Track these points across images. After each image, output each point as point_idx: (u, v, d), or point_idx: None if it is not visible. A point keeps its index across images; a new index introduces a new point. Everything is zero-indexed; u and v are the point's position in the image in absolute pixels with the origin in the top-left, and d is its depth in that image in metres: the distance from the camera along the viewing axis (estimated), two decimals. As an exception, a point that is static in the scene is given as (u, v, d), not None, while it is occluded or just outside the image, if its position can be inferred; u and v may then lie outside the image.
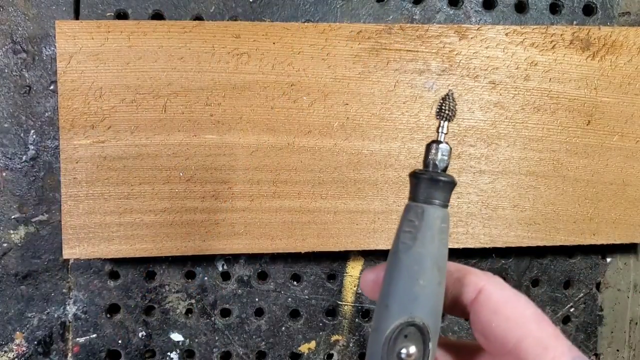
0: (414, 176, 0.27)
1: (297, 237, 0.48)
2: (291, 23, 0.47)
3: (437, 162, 0.27)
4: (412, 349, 0.25)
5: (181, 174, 0.46)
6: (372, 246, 0.49)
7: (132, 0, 0.48)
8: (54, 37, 0.47)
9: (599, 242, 0.51)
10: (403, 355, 0.25)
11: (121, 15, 0.48)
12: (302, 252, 0.49)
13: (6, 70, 0.48)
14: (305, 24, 0.47)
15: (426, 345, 0.25)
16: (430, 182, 0.26)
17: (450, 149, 0.28)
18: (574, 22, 0.52)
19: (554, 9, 0.52)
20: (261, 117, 0.47)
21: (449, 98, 0.28)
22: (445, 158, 0.27)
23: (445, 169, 0.27)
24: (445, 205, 0.27)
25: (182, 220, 0.47)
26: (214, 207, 0.47)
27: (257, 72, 0.46)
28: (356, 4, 0.50)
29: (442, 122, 0.28)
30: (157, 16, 0.48)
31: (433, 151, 0.27)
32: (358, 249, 0.49)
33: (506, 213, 0.50)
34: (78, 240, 0.46)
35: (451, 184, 0.27)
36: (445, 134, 0.28)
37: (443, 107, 0.27)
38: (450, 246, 0.50)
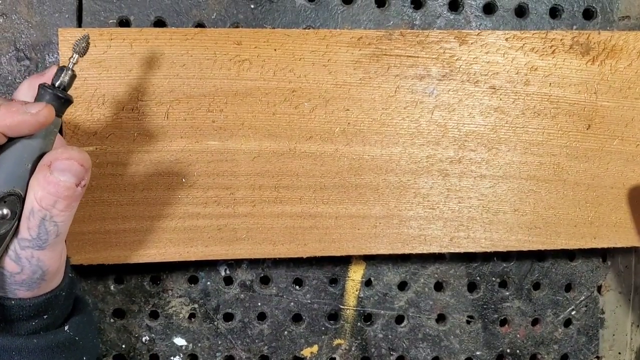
0: (42, 88, 0.35)
1: (299, 242, 0.48)
2: (292, 29, 0.47)
3: (63, 83, 0.36)
4: (6, 211, 0.34)
5: (183, 180, 0.46)
6: (374, 251, 0.49)
7: (134, 8, 0.48)
8: (57, 44, 0.47)
9: (599, 246, 0.51)
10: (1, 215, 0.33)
11: (123, 23, 0.48)
12: (304, 256, 0.49)
13: (10, 78, 0.48)
14: (306, 30, 0.47)
15: (19, 208, 0.34)
16: (54, 96, 0.35)
17: (75, 76, 0.36)
18: (574, 27, 0.52)
19: (554, 13, 0.52)
20: (263, 123, 0.47)
21: (85, 38, 0.36)
22: (67, 80, 0.36)
23: (65, 89, 0.36)
24: (59, 115, 0.35)
25: (185, 226, 0.47)
26: (216, 212, 0.47)
27: (259, 78, 0.46)
28: (357, 10, 0.50)
29: (75, 55, 0.36)
30: (159, 23, 0.49)
31: (62, 74, 0.36)
32: (360, 253, 0.49)
33: (507, 217, 0.50)
34: (81, 247, 0.46)
35: (68, 101, 0.36)
36: (75, 63, 0.36)
37: (79, 44, 0.36)
38: (452, 250, 0.50)
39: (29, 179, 0.35)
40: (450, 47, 0.48)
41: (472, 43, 0.48)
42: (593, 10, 0.52)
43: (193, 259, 0.47)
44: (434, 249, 0.50)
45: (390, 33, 0.47)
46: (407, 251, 0.49)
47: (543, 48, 0.49)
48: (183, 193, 0.47)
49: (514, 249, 0.51)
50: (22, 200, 0.35)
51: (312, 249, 0.48)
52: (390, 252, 0.49)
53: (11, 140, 0.35)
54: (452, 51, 0.48)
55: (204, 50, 0.45)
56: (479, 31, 0.48)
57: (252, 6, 0.49)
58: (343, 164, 0.48)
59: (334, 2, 0.50)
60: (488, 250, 0.50)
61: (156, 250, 0.47)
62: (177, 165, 0.46)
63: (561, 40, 0.49)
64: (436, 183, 0.49)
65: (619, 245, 0.52)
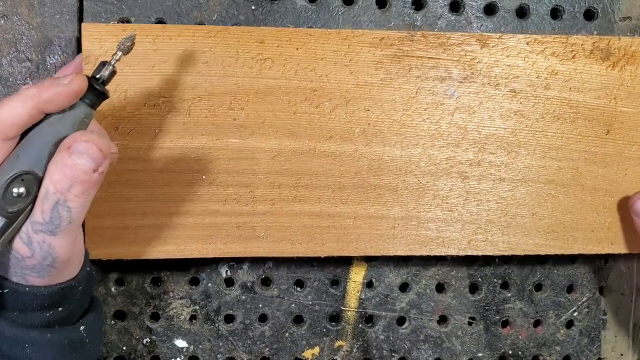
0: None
1: (317, 241, 0.48)
2: (314, 29, 0.47)
3: (103, 77, 0.37)
4: (22, 190, 0.33)
5: (203, 177, 0.47)
6: (392, 252, 0.49)
7: (135, 9, 0.48)
8: (58, 45, 0.47)
9: (617, 252, 0.51)
10: (14, 194, 0.33)
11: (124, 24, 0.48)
12: (321, 256, 0.49)
13: (10, 79, 0.47)
14: (329, 30, 0.47)
15: (36, 189, 0.34)
16: (90, 87, 0.36)
17: (115, 72, 0.37)
18: (575, 28, 0.52)
19: (555, 14, 0.52)
20: (283, 121, 0.47)
21: (132, 38, 0.38)
22: (107, 75, 0.37)
23: (104, 83, 0.37)
24: (92, 106, 0.36)
25: (204, 223, 0.47)
26: (235, 210, 0.47)
27: (280, 77, 0.46)
28: (358, 11, 0.50)
29: (119, 52, 0.37)
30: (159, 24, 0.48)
31: (103, 68, 0.37)
32: (377, 254, 0.49)
33: (525, 221, 0.50)
34: (99, 242, 0.46)
35: (104, 95, 0.37)
36: (117, 60, 0.37)
37: (125, 42, 0.37)
38: (470, 253, 0.50)
39: (48, 160, 0.35)
40: (472, 50, 0.48)
41: (493, 46, 0.48)
42: (594, 11, 0.52)
43: (212, 255, 0.47)
44: (452, 251, 0.50)
45: (412, 34, 0.47)
46: (424, 253, 0.49)
47: (564, 52, 0.49)
48: (203, 190, 0.47)
49: (532, 253, 0.51)
50: (39, 181, 0.34)
51: (330, 249, 0.48)
52: (408, 253, 0.49)
53: (43, 119, 0.35)
54: (473, 54, 0.48)
55: (226, 48, 0.46)
56: (500, 34, 0.48)
57: (253, 7, 0.49)
58: (362, 164, 0.48)
59: (335, 3, 0.49)
60: (506, 254, 0.50)
61: (175, 247, 0.47)
62: (197, 162, 0.46)
63: (582, 45, 0.49)
64: (455, 185, 0.49)
65: (636, 251, 0.52)
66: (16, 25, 0.47)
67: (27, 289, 0.37)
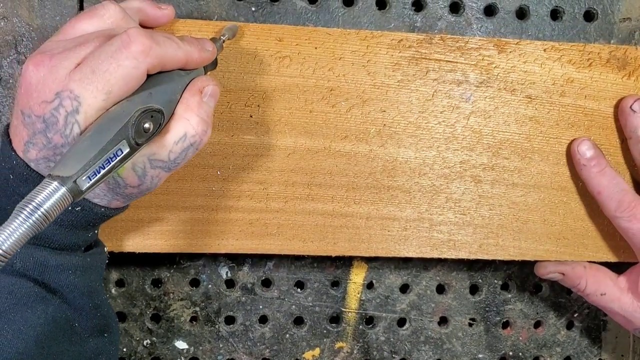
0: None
1: (328, 240, 0.48)
2: (334, 29, 0.47)
3: (217, 48, 0.41)
4: (148, 125, 0.34)
5: (218, 173, 0.47)
6: (403, 253, 0.49)
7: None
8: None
9: (627, 260, 0.51)
10: (144, 128, 0.34)
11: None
12: (333, 255, 0.49)
13: (11, 81, 0.47)
14: (348, 30, 0.47)
15: (158, 128, 0.35)
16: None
17: (223, 48, 0.43)
18: (575, 29, 0.51)
19: (555, 15, 0.52)
20: (299, 120, 0.47)
21: (237, 28, 0.44)
22: (218, 47, 0.41)
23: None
24: (205, 70, 0.40)
25: (217, 219, 0.47)
26: (248, 206, 0.47)
27: (298, 75, 0.47)
28: (358, 12, 0.49)
29: (226, 34, 0.43)
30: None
31: (216, 42, 0.41)
32: (388, 255, 0.49)
33: (536, 227, 0.50)
34: (112, 234, 0.46)
35: (215, 64, 0.42)
36: (224, 41, 0.42)
37: (233, 29, 0.43)
38: (480, 257, 0.50)
39: (174, 108, 0.37)
40: (489, 55, 0.48)
41: (510, 52, 0.48)
42: (594, 12, 0.52)
43: (223, 251, 0.48)
44: (463, 254, 0.50)
45: (430, 37, 0.47)
46: (435, 255, 0.50)
47: (580, 60, 0.49)
48: (217, 185, 0.47)
49: (542, 259, 0.51)
50: (164, 121, 0.36)
51: (342, 248, 0.49)
52: (419, 255, 0.49)
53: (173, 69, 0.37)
54: (491, 59, 0.48)
55: (245, 44, 0.46)
56: (518, 40, 0.49)
57: (253, 9, 0.48)
58: (377, 164, 0.48)
59: (335, 4, 0.49)
60: (516, 259, 0.50)
61: (188, 242, 0.47)
62: (212, 158, 0.46)
63: (598, 53, 0.49)
64: (468, 189, 0.49)
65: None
66: (16, 26, 0.46)
67: (102, 209, 0.37)
